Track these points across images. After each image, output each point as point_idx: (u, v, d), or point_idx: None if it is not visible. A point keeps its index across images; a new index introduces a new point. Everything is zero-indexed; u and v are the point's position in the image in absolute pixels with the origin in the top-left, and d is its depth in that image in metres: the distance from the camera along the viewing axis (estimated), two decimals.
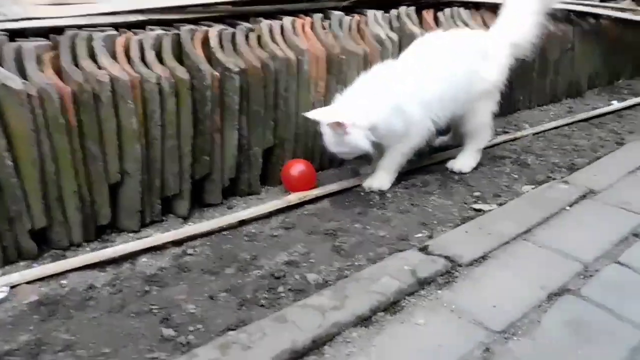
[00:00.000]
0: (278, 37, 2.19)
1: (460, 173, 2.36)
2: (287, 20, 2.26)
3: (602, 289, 1.53)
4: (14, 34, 1.76)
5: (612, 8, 3.60)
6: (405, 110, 2.07)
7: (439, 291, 1.51)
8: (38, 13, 1.73)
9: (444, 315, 1.41)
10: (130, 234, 1.91)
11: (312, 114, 2.04)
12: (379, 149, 2.17)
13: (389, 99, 2.05)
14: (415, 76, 2.12)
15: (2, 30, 1.68)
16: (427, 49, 2.23)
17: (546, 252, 1.69)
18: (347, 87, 2.11)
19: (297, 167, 2.19)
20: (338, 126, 1.97)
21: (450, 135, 2.63)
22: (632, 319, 1.42)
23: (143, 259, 1.76)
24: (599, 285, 1.55)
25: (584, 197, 2.04)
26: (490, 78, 2.31)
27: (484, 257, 1.65)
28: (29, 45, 1.66)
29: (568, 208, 1.96)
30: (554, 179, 2.28)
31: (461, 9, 2.89)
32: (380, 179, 2.21)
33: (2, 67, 1.60)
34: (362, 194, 2.19)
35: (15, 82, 1.55)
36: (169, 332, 1.40)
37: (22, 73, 1.65)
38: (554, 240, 1.75)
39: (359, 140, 2.00)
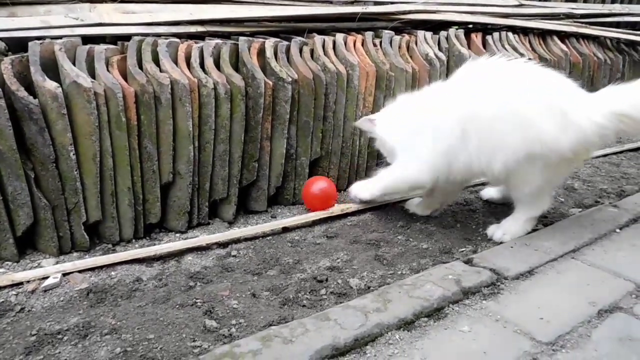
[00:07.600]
0: (330, 52, 2.26)
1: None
2: (339, 36, 2.33)
3: None
4: (86, 39, 1.88)
5: None
6: (415, 141, 1.92)
7: (484, 301, 1.48)
8: (110, 19, 1.85)
9: (489, 325, 1.38)
10: (177, 234, 1.97)
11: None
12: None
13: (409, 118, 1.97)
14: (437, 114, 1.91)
15: (78, 34, 1.80)
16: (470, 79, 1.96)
17: (596, 271, 1.64)
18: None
19: (319, 184, 2.15)
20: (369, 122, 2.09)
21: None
22: None
23: (188, 258, 1.81)
24: None
25: (634, 220, 1.98)
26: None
27: (530, 272, 1.62)
28: (100, 48, 1.77)
29: (618, 231, 1.90)
30: (602, 203, 2.22)
31: (509, 33, 2.91)
32: (366, 186, 2.11)
33: (75, 66, 1.71)
34: (405, 208, 2.19)
35: (85, 80, 1.66)
36: (211, 323, 1.42)
37: (92, 73, 1.75)
38: (604, 260, 1.70)
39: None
